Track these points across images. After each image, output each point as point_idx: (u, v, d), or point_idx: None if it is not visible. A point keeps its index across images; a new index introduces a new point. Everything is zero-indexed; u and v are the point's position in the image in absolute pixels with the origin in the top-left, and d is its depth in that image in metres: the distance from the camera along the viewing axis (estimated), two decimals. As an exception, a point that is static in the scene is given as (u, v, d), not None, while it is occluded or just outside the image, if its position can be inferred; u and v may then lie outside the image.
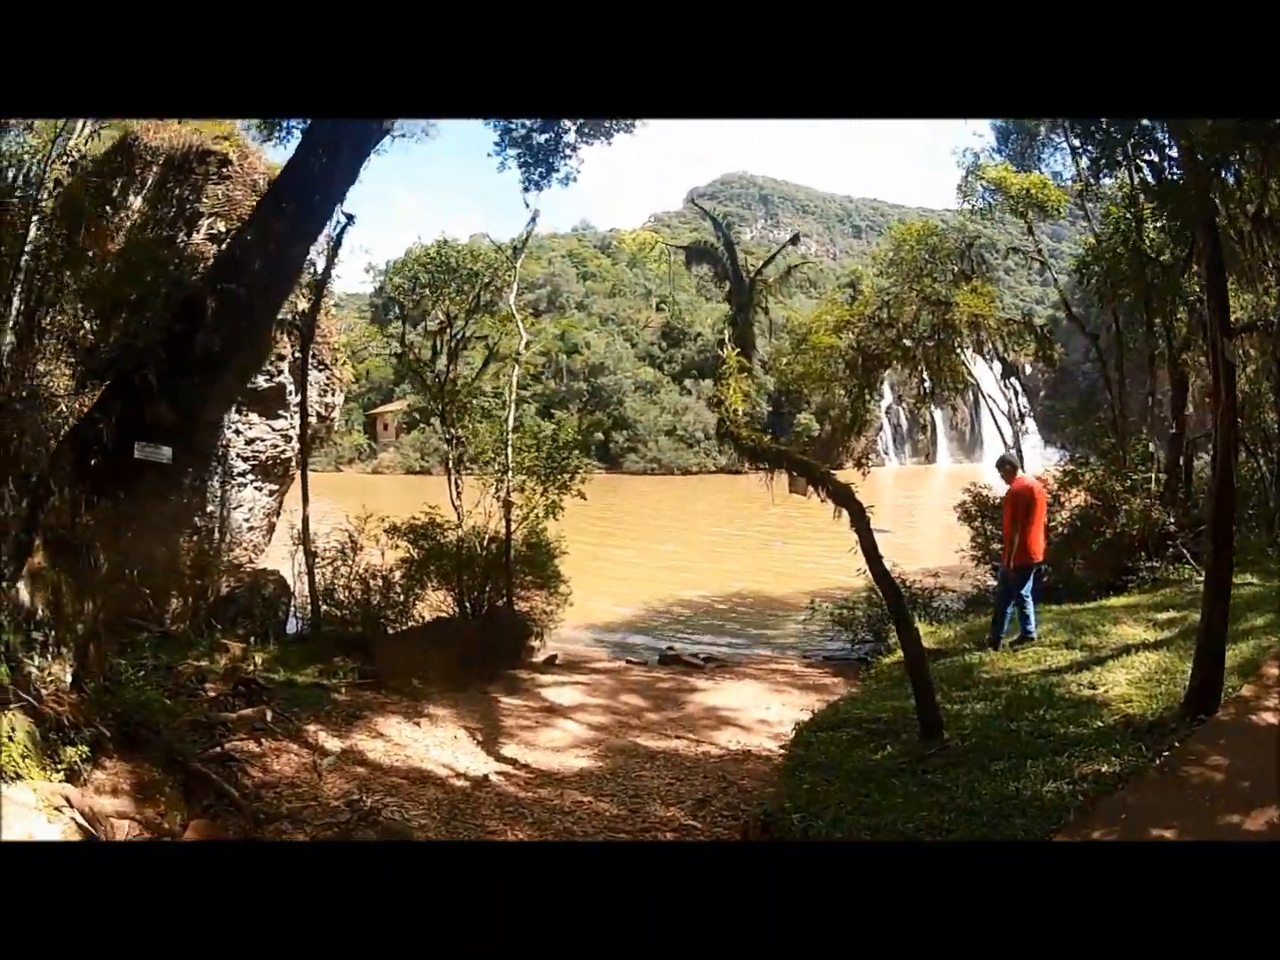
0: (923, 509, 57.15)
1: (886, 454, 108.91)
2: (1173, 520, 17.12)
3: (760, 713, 12.67)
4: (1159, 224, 17.68)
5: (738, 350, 10.54)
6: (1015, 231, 27.07)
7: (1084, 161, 21.63)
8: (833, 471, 9.53)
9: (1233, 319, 22.16)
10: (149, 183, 16.27)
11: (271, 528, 18.67)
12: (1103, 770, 6.89)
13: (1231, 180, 10.60)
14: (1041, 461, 21.28)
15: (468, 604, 15.40)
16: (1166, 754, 7.09)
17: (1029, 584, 11.79)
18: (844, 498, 8.79)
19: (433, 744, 10.53)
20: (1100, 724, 8.07)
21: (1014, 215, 24.63)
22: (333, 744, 9.76)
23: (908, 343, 20.72)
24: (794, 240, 12.68)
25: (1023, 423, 21.54)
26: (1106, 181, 21.67)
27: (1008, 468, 12.22)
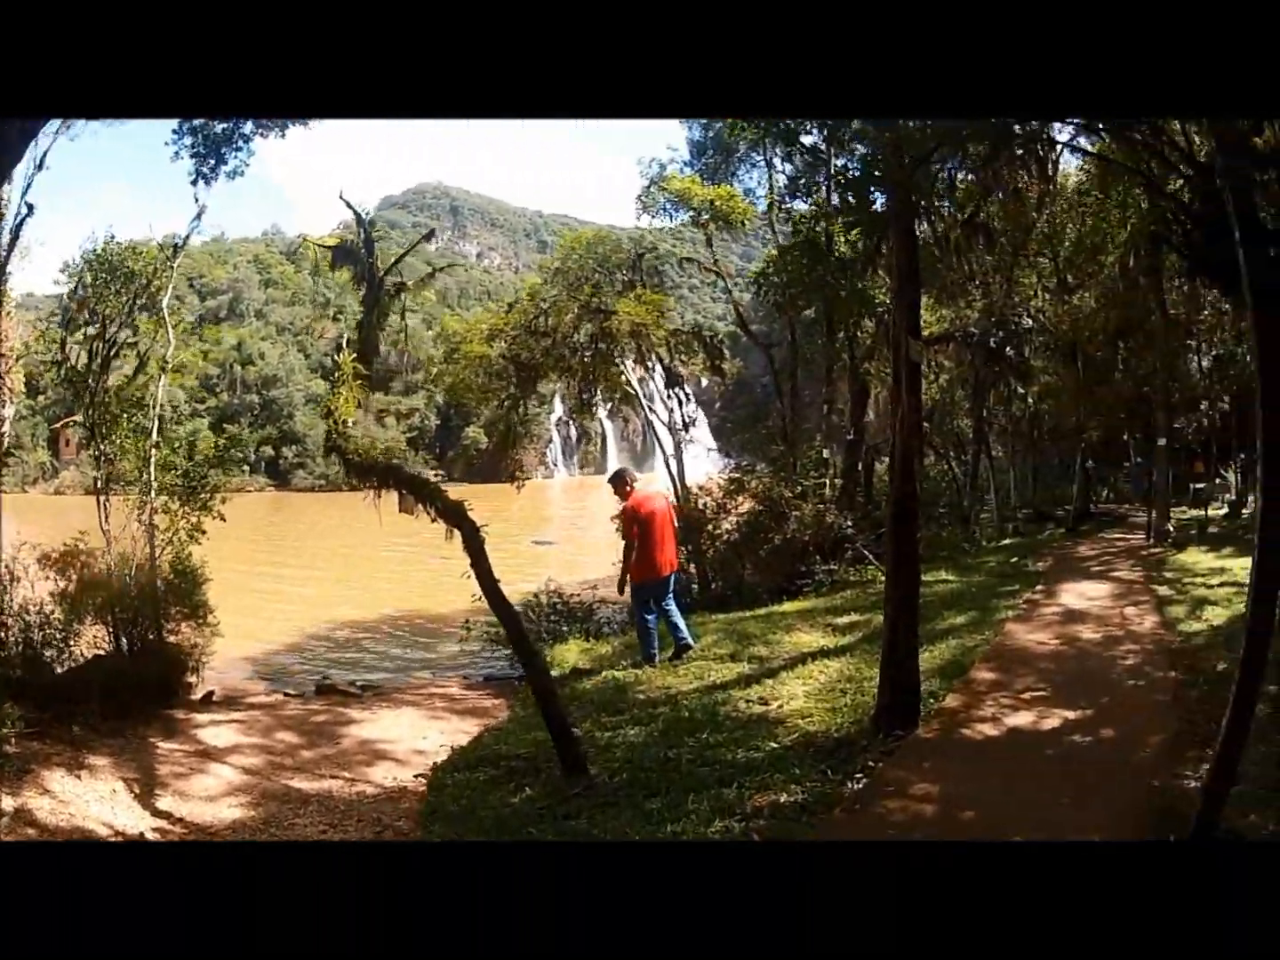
0: (589, 520, 57.04)
1: (556, 465, 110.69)
2: (850, 524, 17.16)
3: (417, 743, 11.50)
4: (848, 234, 17.44)
5: (354, 356, 9.32)
6: (705, 247, 26.83)
7: (781, 180, 21.56)
8: (444, 488, 8.71)
9: (929, 331, 22.89)
10: None
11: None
12: (782, 801, 5.99)
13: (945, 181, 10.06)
14: (708, 470, 20.79)
15: (123, 639, 13.61)
16: (860, 782, 6.26)
17: (669, 595, 11.42)
18: (455, 517, 7.93)
19: (94, 799, 9.20)
20: (775, 745, 7.26)
21: (695, 227, 24.61)
22: (6, 803, 8.53)
23: (565, 352, 19.88)
24: (427, 237, 11.35)
25: (687, 432, 20.98)
26: (800, 205, 21.59)
27: (619, 483, 11.80)
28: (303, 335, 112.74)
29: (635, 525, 11.22)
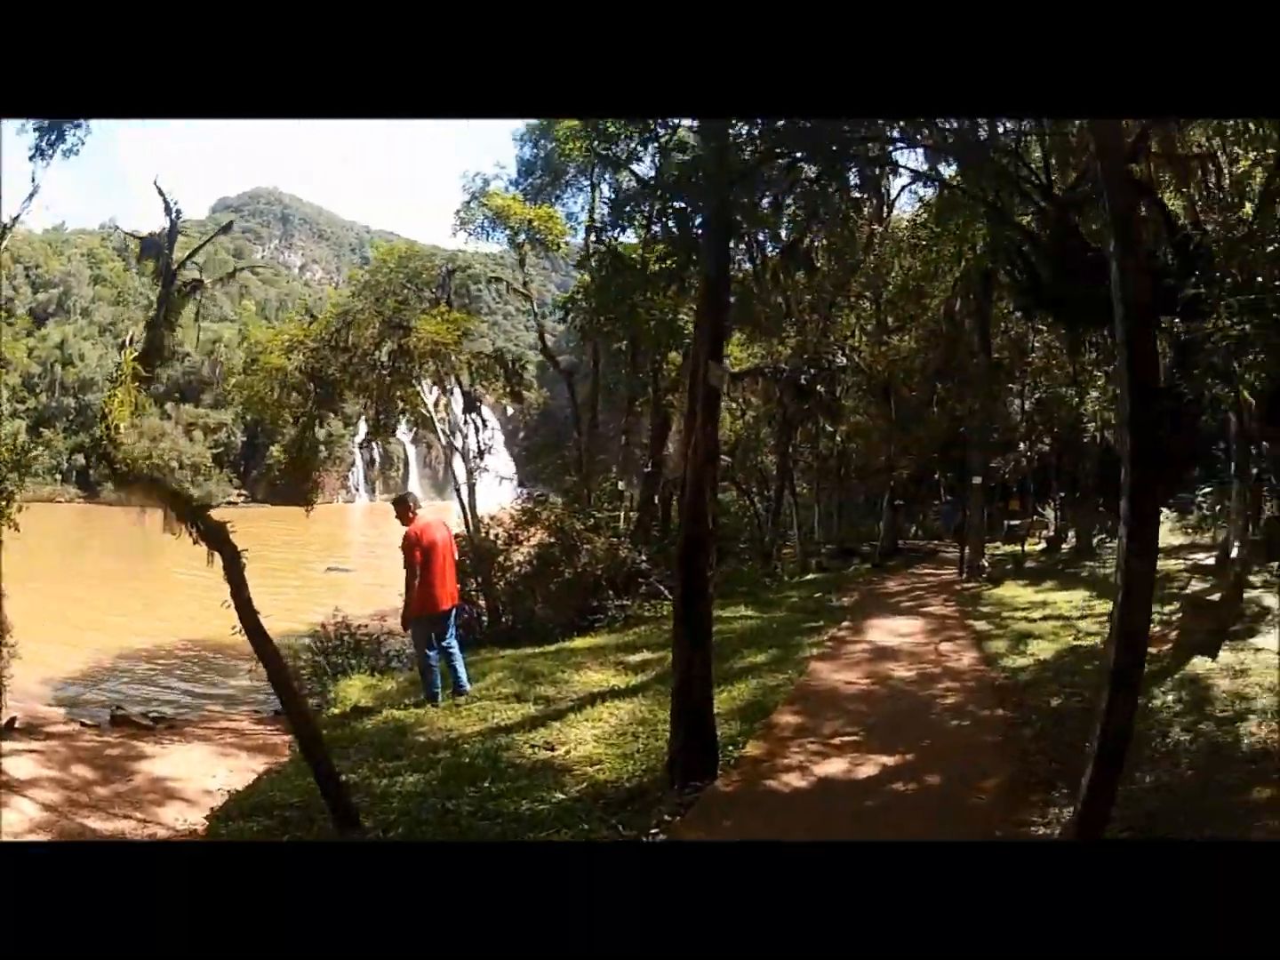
0: (387, 547, 56.93)
1: (357, 489, 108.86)
2: (644, 557, 16.85)
3: (206, 782, 10.82)
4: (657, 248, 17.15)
5: (135, 355, 8.41)
6: (519, 269, 26.28)
7: (604, 208, 21.11)
8: (207, 512, 7.72)
9: (738, 367, 22.75)
10: None
11: None
12: (569, 860, 5.36)
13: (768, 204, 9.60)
14: (502, 500, 20.18)
15: None
16: (655, 839, 5.80)
17: (450, 632, 10.87)
18: (217, 540, 7.09)
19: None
20: (562, 796, 6.73)
21: (511, 247, 24.51)
22: None
23: (363, 369, 18.85)
24: (224, 230, 10.32)
25: (482, 459, 20.33)
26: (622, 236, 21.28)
27: (402, 507, 10.99)
28: (123, 337, 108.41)
29: (417, 552, 10.48)
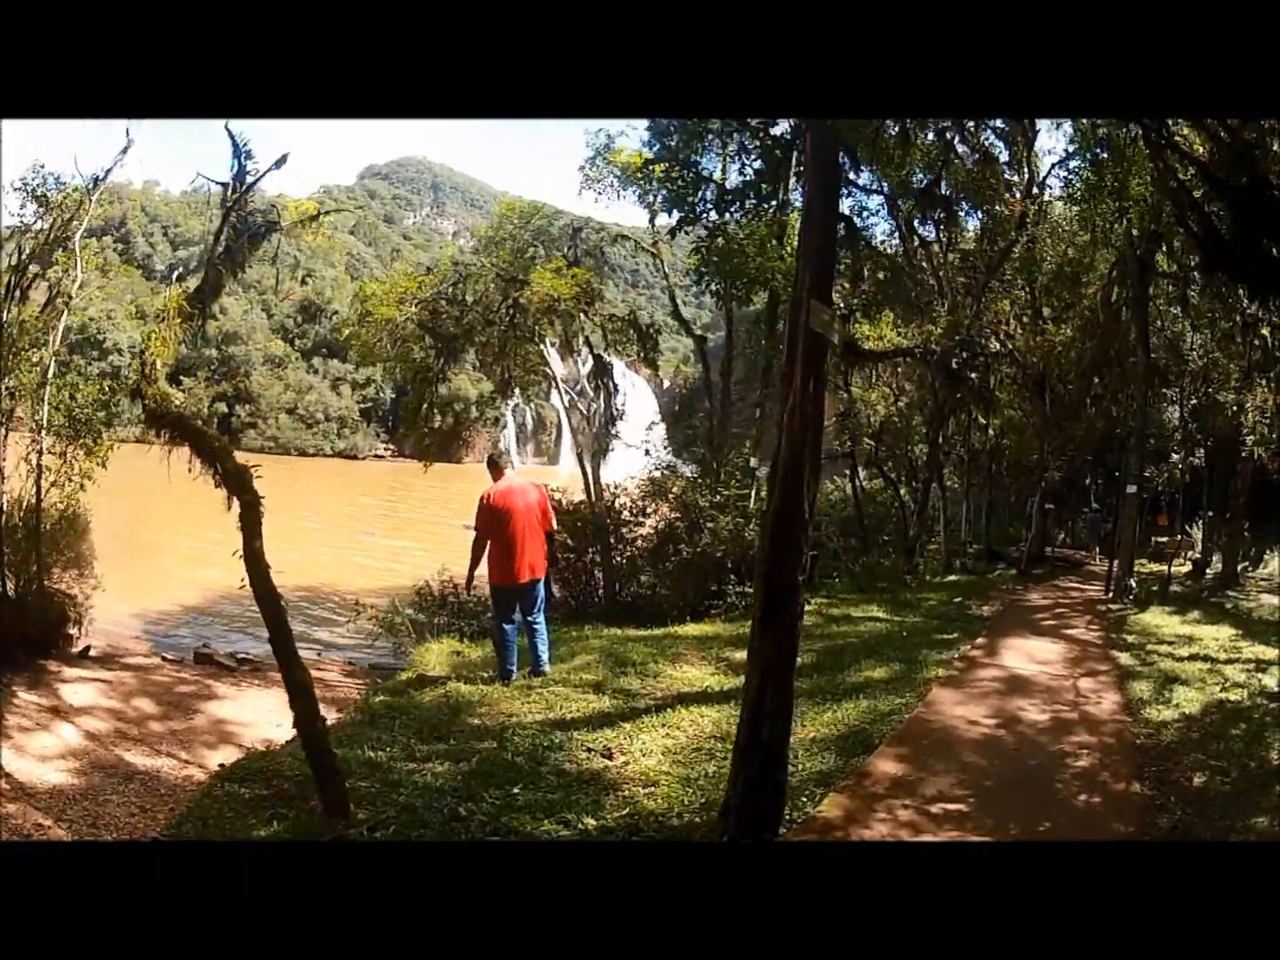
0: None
1: (507, 451, 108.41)
2: None
3: (269, 730, 10.57)
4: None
5: (183, 292, 7.59)
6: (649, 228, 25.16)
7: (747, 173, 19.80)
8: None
9: (889, 345, 21.33)
10: None
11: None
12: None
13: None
14: (632, 470, 18.98)
15: (8, 582, 13.17)
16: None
17: (538, 608, 10.15)
18: (238, 484, 6.49)
19: (-65, 740, 8.99)
20: (591, 823, 5.75)
21: (640, 204, 23.68)
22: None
23: (479, 324, 17.91)
24: (279, 164, 9.28)
25: (614, 426, 19.16)
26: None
27: (494, 469, 10.45)
28: (268, 294, 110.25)
29: (486, 518, 9.85)
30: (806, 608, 13.34)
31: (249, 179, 7.83)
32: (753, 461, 17.94)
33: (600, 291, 19.63)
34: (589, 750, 7.14)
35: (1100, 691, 9.82)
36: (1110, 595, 18.55)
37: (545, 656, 10.13)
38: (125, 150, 14.62)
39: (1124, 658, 11.86)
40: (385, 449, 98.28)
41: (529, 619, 10.02)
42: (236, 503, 6.51)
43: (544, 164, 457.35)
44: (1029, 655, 11.66)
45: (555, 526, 10.97)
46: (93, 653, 14.09)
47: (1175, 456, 26.46)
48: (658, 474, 17.62)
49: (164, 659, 15.21)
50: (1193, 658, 11.69)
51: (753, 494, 16.42)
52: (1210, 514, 26.01)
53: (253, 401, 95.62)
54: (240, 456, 6.60)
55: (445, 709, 8.66)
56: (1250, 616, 16.24)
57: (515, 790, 6.17)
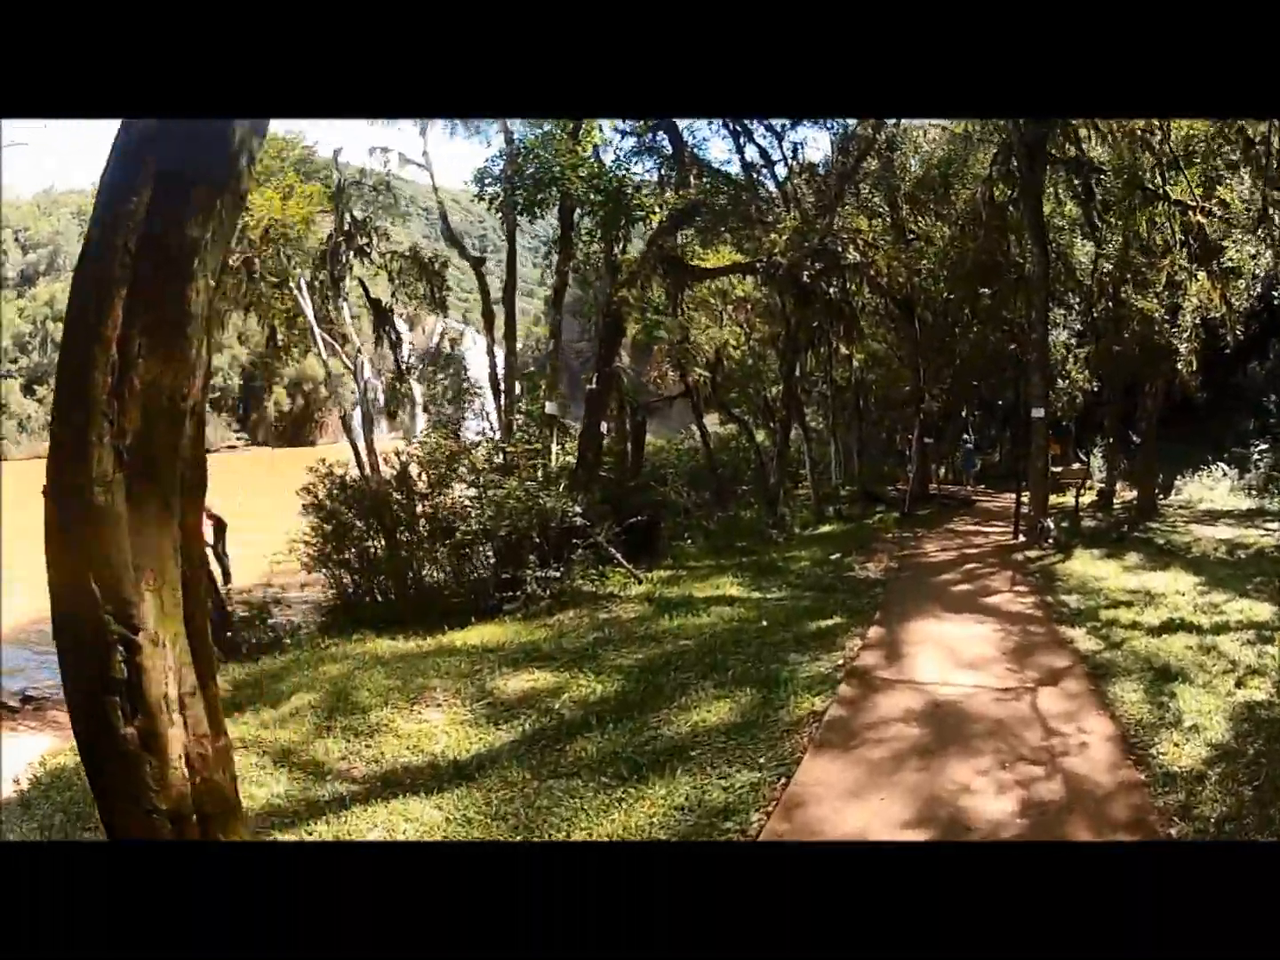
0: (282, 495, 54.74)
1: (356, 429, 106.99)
2: (580, 508, 11.91)
3: (8, 775, 8.23)
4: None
5: None
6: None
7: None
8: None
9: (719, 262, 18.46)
10: None
11: None
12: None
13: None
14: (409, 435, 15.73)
15: None
16: None
17: None
18: None
19: None
20: None
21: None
22: None
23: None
24: None
25: (401, 383, 17.35)
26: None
27: None
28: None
29: None
30: (636, 588, 11.63)
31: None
32: (549, 406, 14.30)
33: (386, 231, 17.42)
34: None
35: (1077, 716, 6.39)
36: (1022, 539, 15.90)
37: None
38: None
39: (1080, 637, 8.78)
40: (238, 439, 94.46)
41: None
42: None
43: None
44: (950, 652, 8.19)
45: None
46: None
47: (1079, 376, 23.51)
48: (431, 438, 13.56)
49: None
50: (1169, 628, 8.83)
51: (554, 447, 12.99)
52: (1110, 440, 23.40)
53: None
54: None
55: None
56: (1201, 557, 13.82)
57: None
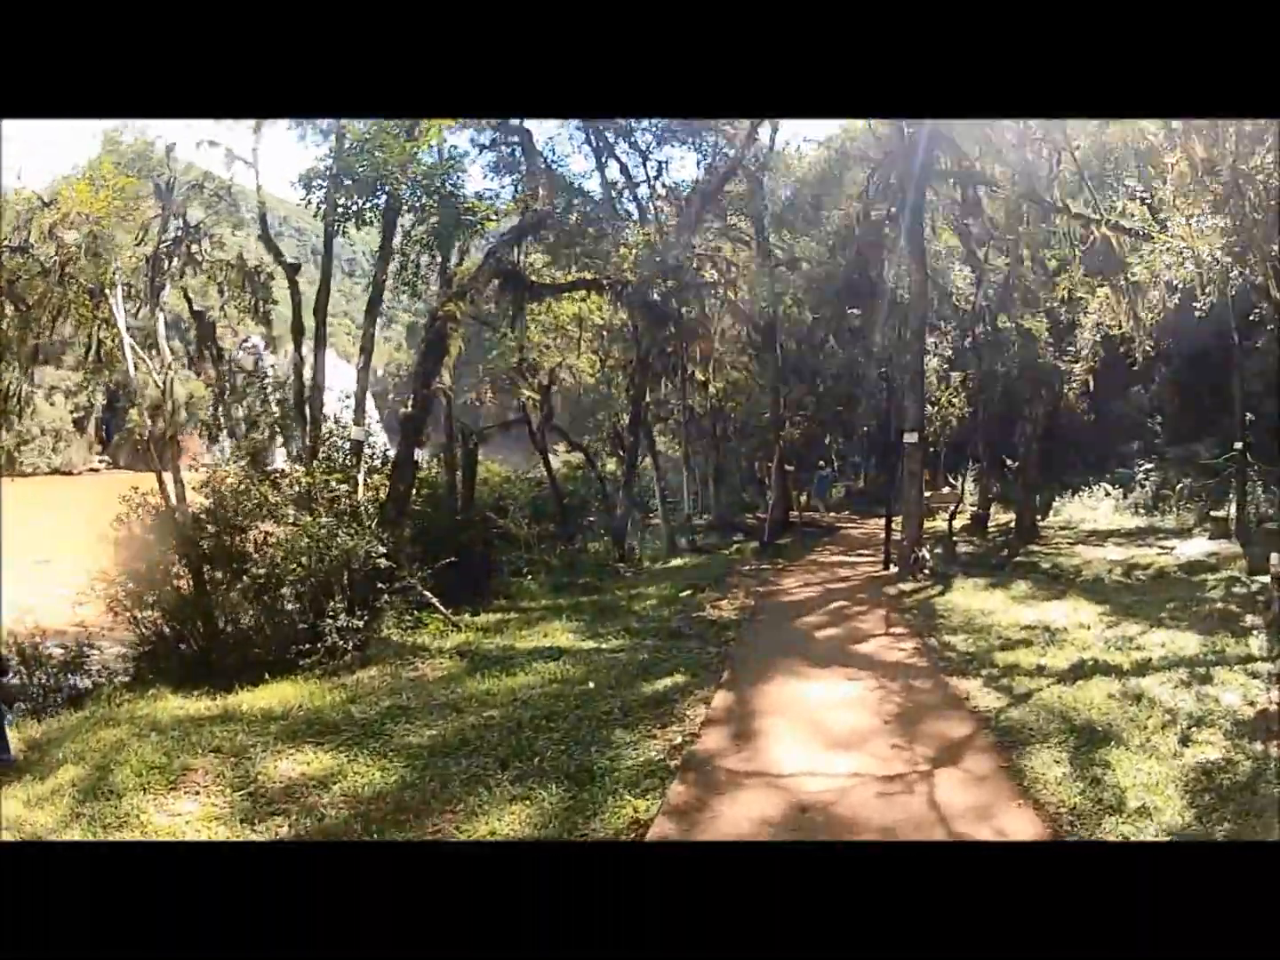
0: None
1: (223, 452, 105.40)
2: (385, 548, 10.41)
3: None
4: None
5: None
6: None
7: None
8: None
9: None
10: None
11: None
12: None
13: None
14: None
15: None
16: None
17: None
18: None
19: None
20: None
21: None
22: None
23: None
24: None
25: (219, 408, 15.28)
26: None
27: None
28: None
29: None
30: (454, 636, 10.77)
31: None
32: (355, 431, 12.82)
33: (220, 238, 15.61)
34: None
35: (990, 812, 5.24)
36: (894, 570, 15.15)
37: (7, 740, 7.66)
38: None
39: (976, 691, 7.78)
40: (99, 461, 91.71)
41: None
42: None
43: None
44: (817, 726, 6.92)
45: None
46: None
47: (956, 401, 23.35)
48: (231, 466, 12.27)
49: None
50: (1081, 671, 7.97)
51: (360, 476, 11.73)
52: (982, 464, 23.11)
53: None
54: None
55: None
56: (1096, 581, 13.31)
57: None
